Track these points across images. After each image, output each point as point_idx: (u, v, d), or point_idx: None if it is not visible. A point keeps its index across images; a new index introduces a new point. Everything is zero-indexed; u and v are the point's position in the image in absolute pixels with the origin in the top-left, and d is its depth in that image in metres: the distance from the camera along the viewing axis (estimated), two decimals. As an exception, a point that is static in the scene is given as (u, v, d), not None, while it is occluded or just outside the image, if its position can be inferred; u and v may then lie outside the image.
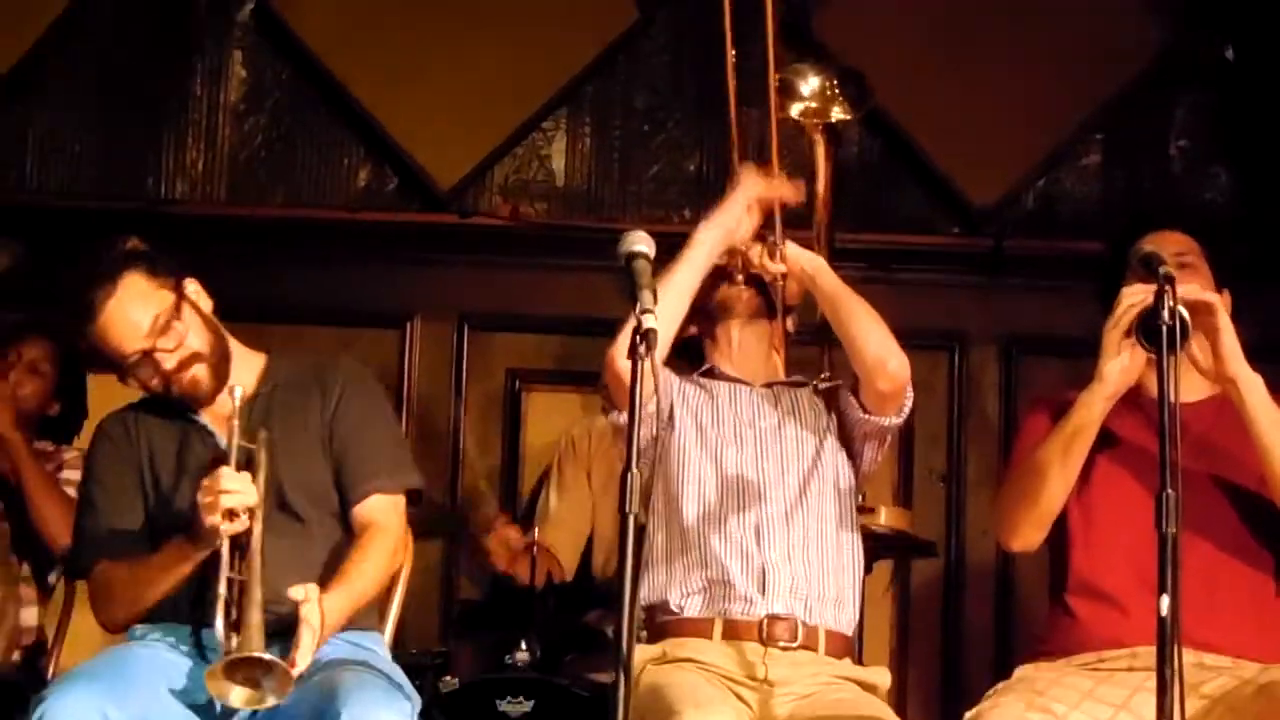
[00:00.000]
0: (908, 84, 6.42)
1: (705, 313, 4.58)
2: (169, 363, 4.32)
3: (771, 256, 4.49)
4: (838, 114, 4.87)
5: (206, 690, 4.19)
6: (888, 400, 4.48)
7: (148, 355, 4.32)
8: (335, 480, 4.45)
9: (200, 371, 4.34)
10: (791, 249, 4.49)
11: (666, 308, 4.23)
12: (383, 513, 4.44)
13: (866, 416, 4.49)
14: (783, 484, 4.48)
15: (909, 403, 4.53)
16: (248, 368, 4.54)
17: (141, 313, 4.32)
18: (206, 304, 4.46)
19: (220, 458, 4.29)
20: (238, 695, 3.99)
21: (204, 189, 6.55)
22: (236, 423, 4.23)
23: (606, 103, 6.61)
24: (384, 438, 4.56)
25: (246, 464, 4.22)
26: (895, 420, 4.53)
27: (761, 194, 4.49)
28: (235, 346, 4.52)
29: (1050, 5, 6.40)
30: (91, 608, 4.46)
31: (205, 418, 4.46)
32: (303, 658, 4.10)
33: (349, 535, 4.44)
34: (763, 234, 4.51)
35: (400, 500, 4.50)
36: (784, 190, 4.50)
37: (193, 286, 4.44)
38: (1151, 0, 6.43)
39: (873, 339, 4.42)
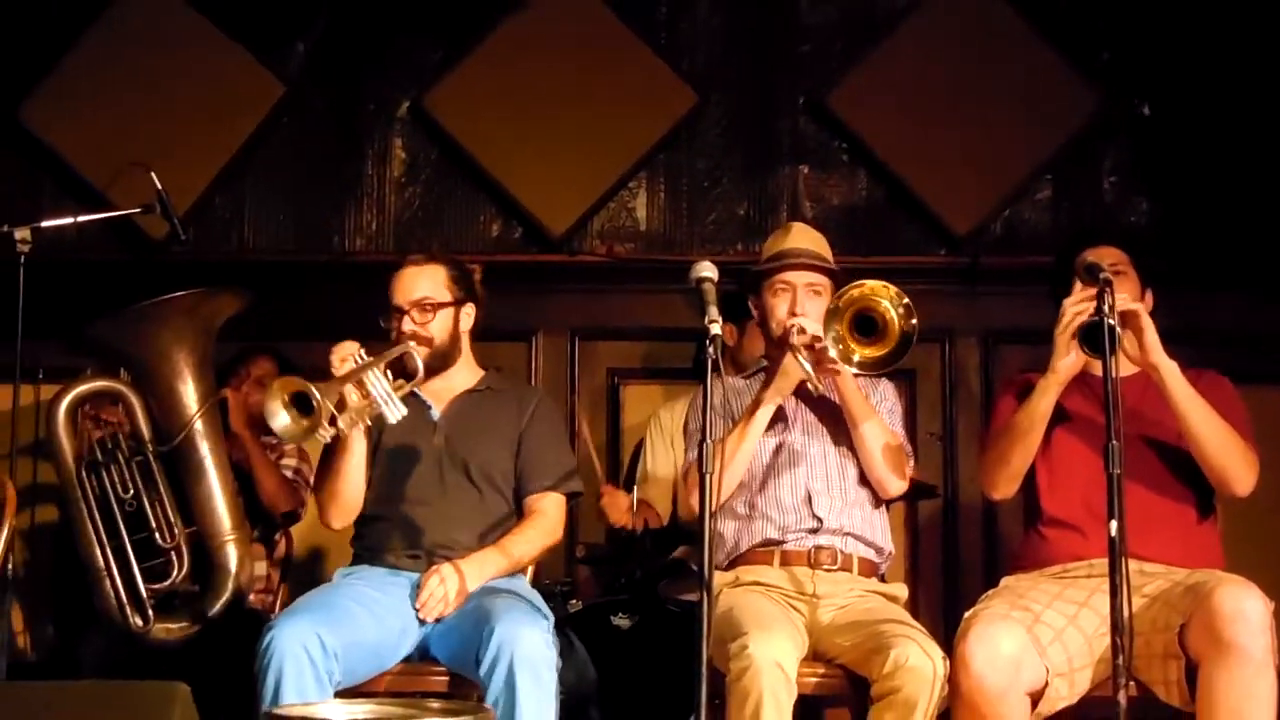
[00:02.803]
0: (904, 142, 6.44)
1: (776, 343, 4.55)
2: (407, 325, 4.45)
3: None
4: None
5: (399, 619, 4.27)
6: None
7: (401, 311, 4.48)
8: (515, 471, 4.51)
9: (423, 353, 4.36)
10: (844, 374, 4.38)
11: (736, 461, 4.35)
12: (551, 505, 4.52)
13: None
14: (825, 460, 4.50)
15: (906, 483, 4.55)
16: (470, 372, 4.66)
17: (422, 285, 4.52)
18: (468, 325, 4.61)
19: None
20: (281, 418, 4.04)
21: (377, 243, 6.59)
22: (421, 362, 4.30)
23: (675, 166, 6.62)
24: (561, 451, 4.63)
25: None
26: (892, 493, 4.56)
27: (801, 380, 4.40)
28: (467, 357, 4.65)
29: (1009, 79, 6.38)
30: (322, 515, 4.57)
31: (424, 394, 4.56)
32: (423, 602, 4.24)
33: (513, 509, 4.52)
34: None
35: (563, 499, 4.57)
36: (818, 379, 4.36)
37: (469, 309, 4.60)
38: (1085, 72, 6.42)
39: (881, 461, 4.44)
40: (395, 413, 4.13)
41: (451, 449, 4.50)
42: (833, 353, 4.22)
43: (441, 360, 4.53)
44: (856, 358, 4.24)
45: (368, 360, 4.18)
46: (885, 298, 4.22)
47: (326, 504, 4.46)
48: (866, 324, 4.25)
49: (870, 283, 4.24)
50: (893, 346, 4.23)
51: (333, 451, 4.40)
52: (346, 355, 4.23)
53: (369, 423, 4.24)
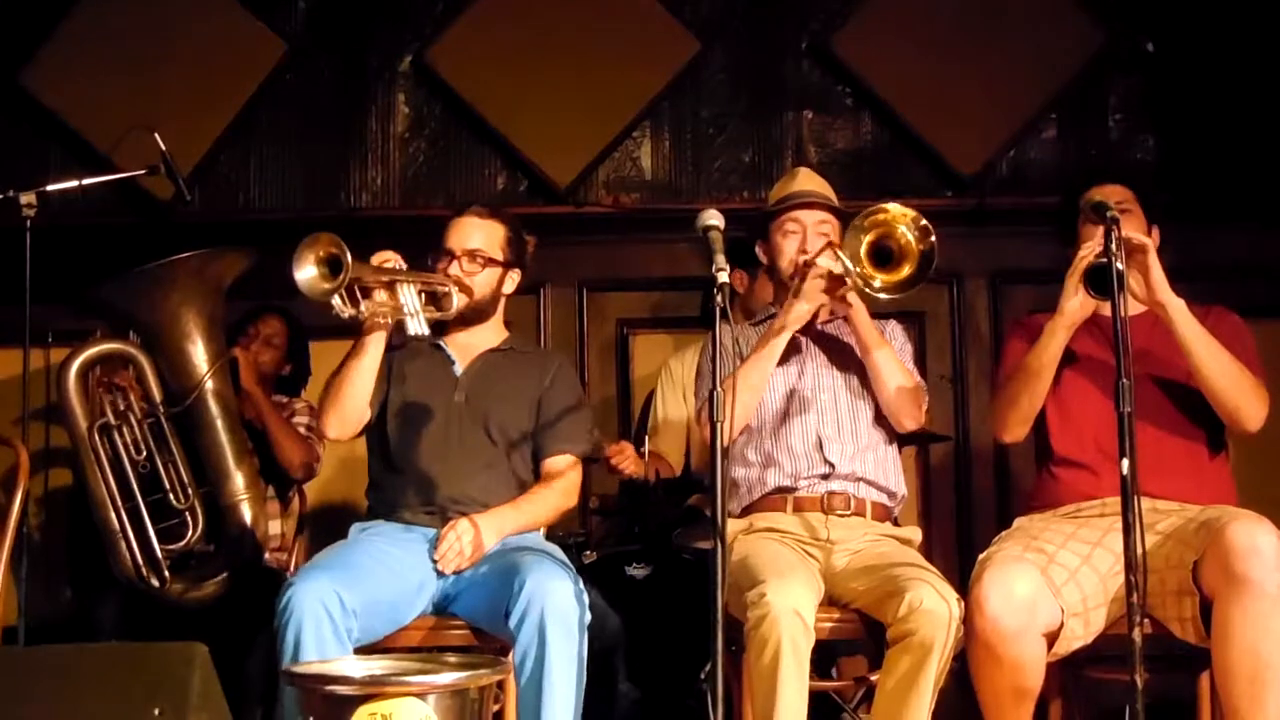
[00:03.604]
0: (908, 84, 6.40)
1: (786, 285, 4.52)
2: (453, 270, 4.47)
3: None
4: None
5: (416, 575, 4.28)
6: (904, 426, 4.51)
7: (451, 255, 4.49)
8: (533, 432, 4.52)
9: (461, 300, 4.43)
10: (856, 304, 4.37)
11: (752, 385, 4.34)
12: (567, 468, 4.52)
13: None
14: (836, 405, 4.49)
15: (923, 417, 4.53)
16: (497, 332, 4.66)
17: (478, 237, 4.53)
18: (510, 289, 4.63)
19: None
20: (308, 270, 4.05)
21: (382, 199, 6.58)
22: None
23: (679, 114, 6.58)
24: (580, 415, 4.61)
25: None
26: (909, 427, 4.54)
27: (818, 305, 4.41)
28: (497, 318, 4.66)
29: (1013, 19, 6.35)
30: (321, 420, 4.49)
31: (449, 348, 4.59)
32: (442, 554, 4.25)
33: (530, 469, 4.54)
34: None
35: (579, 463, 4.57)
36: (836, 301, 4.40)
37: (515, 274, 4.61)
38: (1089, 10, 6.38)
39: (895, 392, 4.41)
40: (417, 327, 4.20)
41: (472, 406, 4.51)
42: (854, 269, 4.22)
43: (476, 314, 4.56)
44: (877, 283, 4.24)
45: (407, 271, 4.23)
46: (903, 223, 4.23)
47: (327, 407, 4.40)
48: (883, 254, 4.24)
49: (891, 208, 4.25)
50: (913, 269, 4.24)
51: (348, 355, 4.37)
52: (388, 258, 4.24)
53: (387, 321, 4.24)
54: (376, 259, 4.21)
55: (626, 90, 6.49)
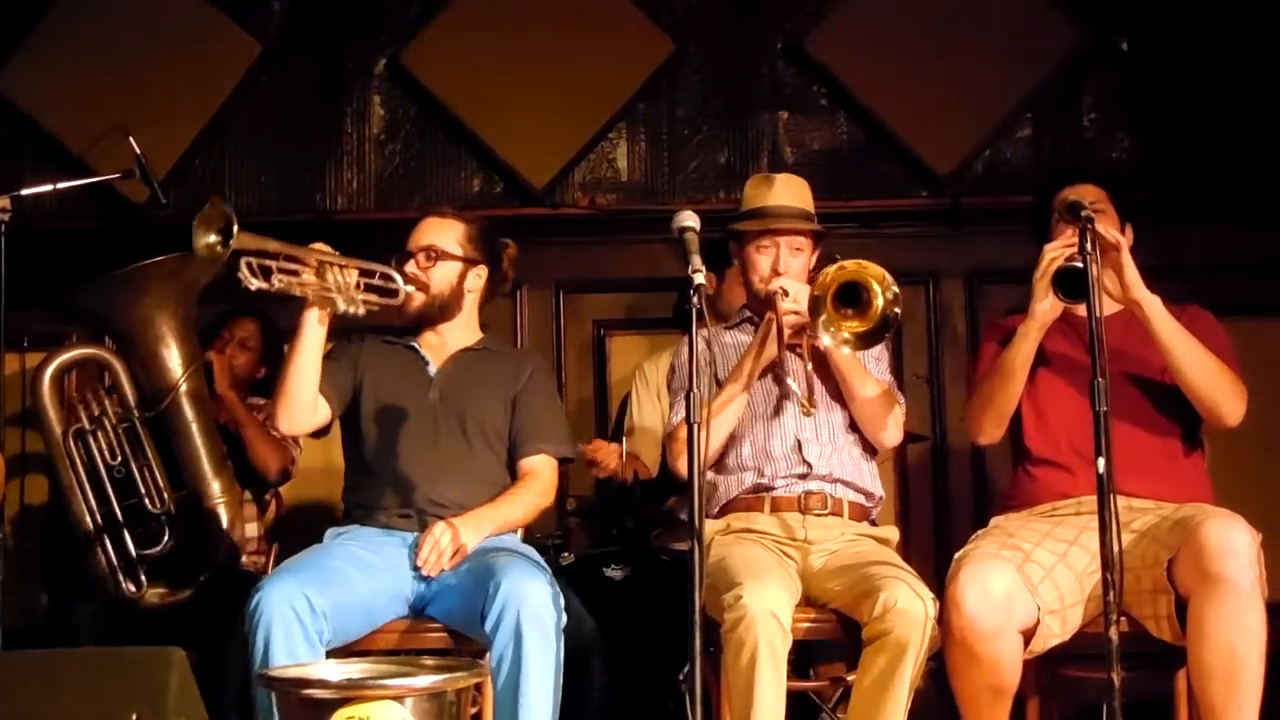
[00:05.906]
0: (883, 84, 6.41)
1: (760, 301, 4.51)
2: (410, 268, 4.49)
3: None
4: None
5: (392, 577, 4.27)
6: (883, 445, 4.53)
7: (409, 253, 4.53)
8: (510, 432, 4.52)
9: (419, 298, 4.48)
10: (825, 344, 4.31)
11: (725, 418, 4.34)
12: (544, 467, 4.53)
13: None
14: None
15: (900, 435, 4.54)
16: (470, 332, 4.67)
17: (434, 234, 4.55)
18: (475, 285, 4.62)
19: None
20: (206, 237, 4.03)
21: (358, 201, 6.58)
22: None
23: (655, 115, 6.59)
24: (556, 415, 4.64)
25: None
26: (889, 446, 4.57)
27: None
28: (470, 318, 4.66)
29: (988, 18, 6.36)
30: (274, 414, 4.45)
31: (422, 348, 4.60)
32: (424, 559, 4.23)
33: (506, 470, 4.53)
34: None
35: (555, 462, 4.57)
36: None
37: (480, 270, 4.61)
38: (1064, 8, 6.39)
39: (876, 422, 4.43)
40: (346, 305, 4.19)
41: (447, 404, 4.51)
42: (826, 339, 4.21)
43: (438, 311, 4.55)
44: (845, 334, 4.22)
45: (338, 256, 4.23)
46: (874, 277, 4.20)
47: (276, 400, 4.37)
48: (851, 293, 4.22)
49: (849, 263, 4.24)
50: (875, 323, 4.20)
51: (289, 347, 4.37)
52: (320, 246, 4.24)
53: (308, 296, 4.21)
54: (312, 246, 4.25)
55: (602, 91, 6.49)
